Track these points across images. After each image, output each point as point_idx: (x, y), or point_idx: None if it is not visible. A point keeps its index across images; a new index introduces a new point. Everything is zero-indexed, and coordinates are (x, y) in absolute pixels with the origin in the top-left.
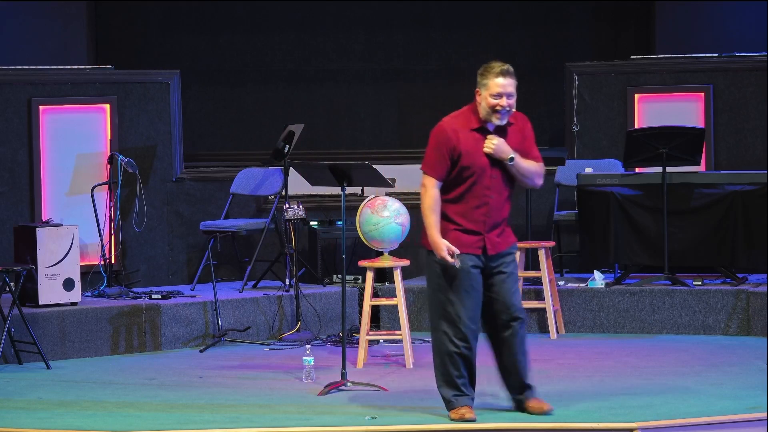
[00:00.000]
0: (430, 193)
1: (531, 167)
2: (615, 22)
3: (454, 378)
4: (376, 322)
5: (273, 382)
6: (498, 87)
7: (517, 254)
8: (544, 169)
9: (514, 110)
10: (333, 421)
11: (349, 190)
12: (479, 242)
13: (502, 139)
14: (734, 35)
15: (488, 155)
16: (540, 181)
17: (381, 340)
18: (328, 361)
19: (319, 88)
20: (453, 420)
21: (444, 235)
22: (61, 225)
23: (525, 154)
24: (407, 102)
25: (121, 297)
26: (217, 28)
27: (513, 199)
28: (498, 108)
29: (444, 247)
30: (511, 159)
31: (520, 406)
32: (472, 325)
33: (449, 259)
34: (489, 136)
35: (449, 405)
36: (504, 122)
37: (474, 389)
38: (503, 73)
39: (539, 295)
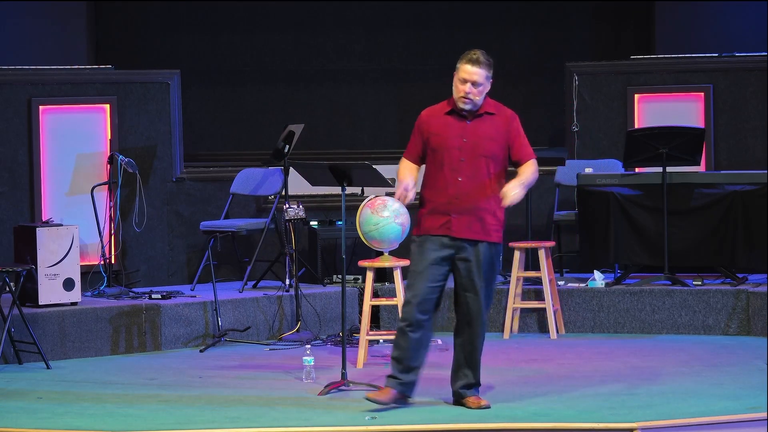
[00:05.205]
0: (401, 164)
1: (531, 176)
2: (615, 22)
3: (392, 357)
4: (376, 322)
5: (273, 382)
6: (464, 73)
7: (516, 256)
8: (536, 162)
9: (478, 99)
10: (333, 421)
11: (349, 190)
12: (447, 223)
13: (511, 192)
14: (734, 35)
15: (460, 142)
16: (537, 176)
17: (381, 340)
18: (328, 361)
19: (319, 88)
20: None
21: (419, 219)
22: (61, 225)
23: (505, 147)
24: (407, 102)
25: (121, 297)
26: (217, 28)
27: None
28: (461, 93)
29: (403, 185)
30: (522, 187)
31: (458, 401)
32: (417, 311)
33: (401, 191)
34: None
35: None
36: (467, 107)
37: (413, 375)
38: (472, 61)
39: (539, 295)
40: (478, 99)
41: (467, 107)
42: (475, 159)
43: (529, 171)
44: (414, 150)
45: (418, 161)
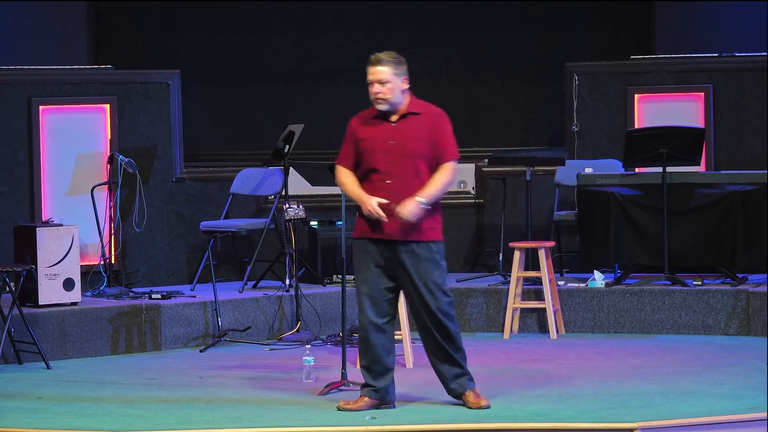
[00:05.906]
0: (340, 172)
1: (442, 184)
2: (615, 22)
3: (361, 366)
4: None
5: (273, 382)
6: (369, 75)
7: (516, 256)
8: (455, 165)
9: (391, 97)
10: (333, 421)
11: None
12: (379, 227)
13: (405, 207)
14: (734, 35)
15: (386, 144)
16: (454, 179)
17: None
18: (328, 361)
19: (319, 88)
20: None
21: (355, 223)
22: (61, 225)
23: (433, 146)
24: None
25: (121, 297)
26: (217, 28)
27: (512, 199)
28: (371, 96)
29: (369, 200)
30: (422, 203)
31: (457, 397)
32: (372, 315)
33: (377, 210)
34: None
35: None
36: (383, 108)
37: (385, 379)
38: (371, 62)
39: (539, 295)
40: (392, 97)
41: (383, 107)
42: (403, 160)
43: (440, 178)
44: (348, 156)
45: (353, 168)
